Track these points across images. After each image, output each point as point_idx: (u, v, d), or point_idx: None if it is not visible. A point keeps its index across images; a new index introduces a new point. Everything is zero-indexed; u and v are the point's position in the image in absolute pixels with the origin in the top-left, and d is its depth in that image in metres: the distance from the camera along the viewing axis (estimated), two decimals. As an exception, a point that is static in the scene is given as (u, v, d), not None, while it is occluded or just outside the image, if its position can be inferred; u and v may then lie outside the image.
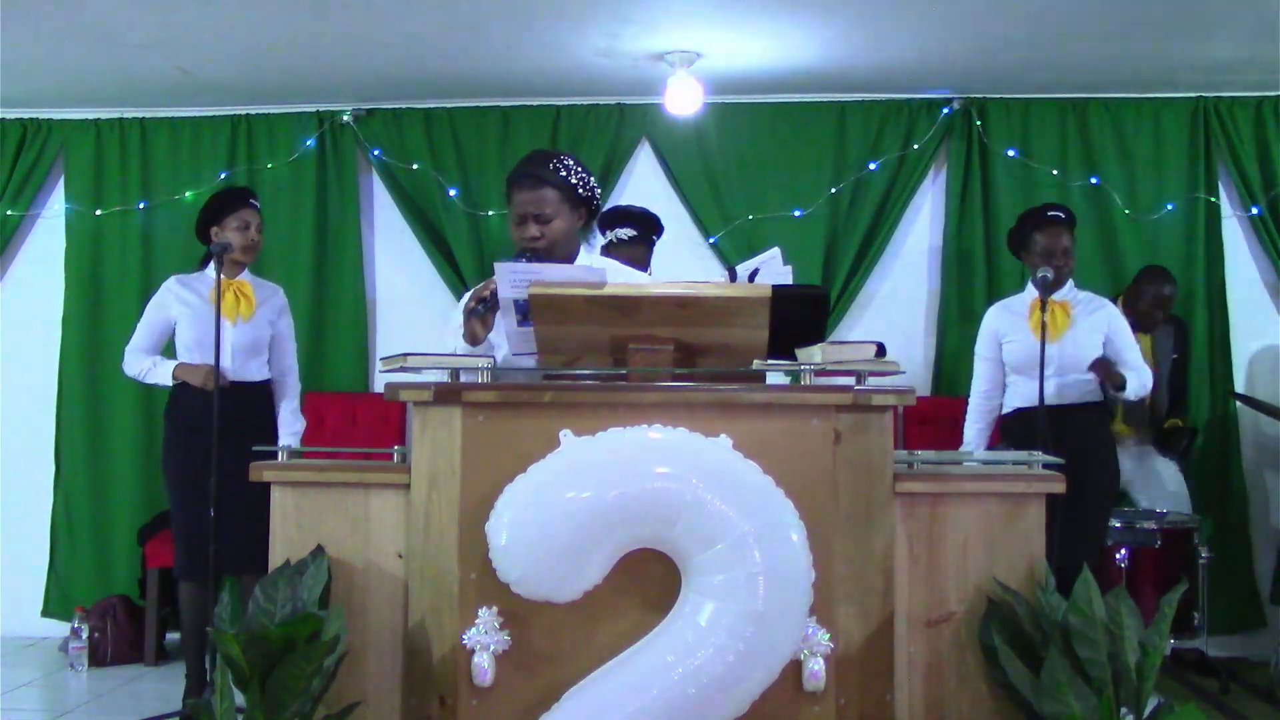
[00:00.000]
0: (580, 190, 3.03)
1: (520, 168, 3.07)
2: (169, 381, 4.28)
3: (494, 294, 2.91)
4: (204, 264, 4.40)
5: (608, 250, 4.23)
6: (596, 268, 2.74)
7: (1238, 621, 5.13)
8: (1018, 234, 4.32)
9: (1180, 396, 5.07)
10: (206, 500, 4.03)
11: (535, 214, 2.99)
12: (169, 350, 4.38)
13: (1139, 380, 4.15)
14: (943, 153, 5.44)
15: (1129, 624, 2.45)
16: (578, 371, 2.73)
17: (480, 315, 2.92)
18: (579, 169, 3.05)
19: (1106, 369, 4.10)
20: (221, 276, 4.12)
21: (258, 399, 4.37)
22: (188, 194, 5.51)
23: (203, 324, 4.24)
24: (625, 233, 4.22)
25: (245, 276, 4.37)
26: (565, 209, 3.01)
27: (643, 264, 4.23)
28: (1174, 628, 3.96)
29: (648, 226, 4.30)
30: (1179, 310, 5.21)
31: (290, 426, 4.44)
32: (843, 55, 4.89)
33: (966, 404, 4.44)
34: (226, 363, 4.15)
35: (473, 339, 2.92)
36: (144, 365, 4.32)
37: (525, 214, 3.00)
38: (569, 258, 3.02)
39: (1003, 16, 4.43)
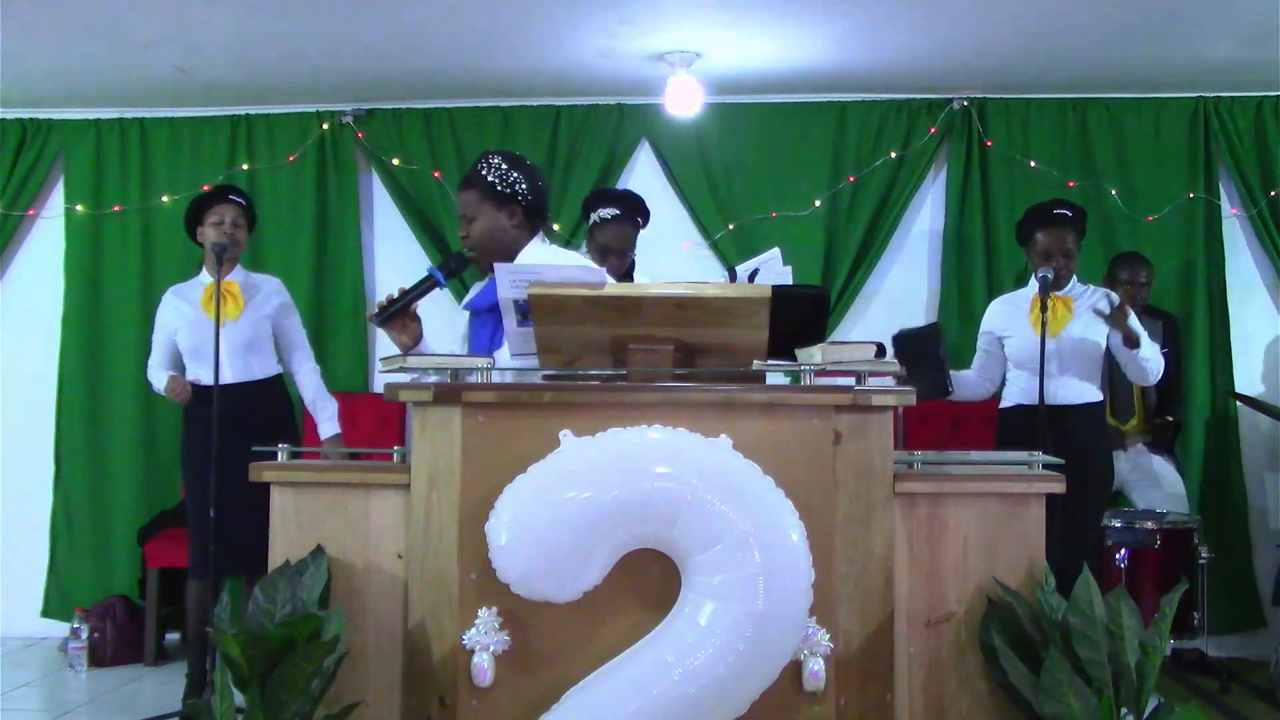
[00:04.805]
0: (499, 187, 3.04)
1: None
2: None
3: (392, 301, 2.96)
4: (199, 268, 4.42)
5: (593, 231, 4.23)
6: (595, 268, 2.74)
7: (1238, 621, 5.13)
8: (1023, 229, 4.30)
9: (1173, 393, 5.05)
10: (224, 500, 4.03)
11: (462, 214, 3.09)
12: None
13: (1154, 349, 4.06)
14: (943, 152, 5.44)
15: (1129, 624, 2.45)
16: (578, 371, 2.73)
17: (382, 324, 2.98)
18: (503, 166, 3.06)
19: (1124, 319, 3.91)
20: (213, 278, 4.14)
21: (268, 396, 4.35)
22: (175, 197, 5.52)
23: (196, 330, 4.28)
24: (608, 212, 4.20)
25: (236, 274, 4.36)
26: (486, 207, 3.05)
27: (628, 245, 4.22)
28: (1174, 628, 3.98)
29: (630, 206, 4.28)
30: (1178, 308, 5.22)
31: (324, 411, 4.40)
32: (843, 55, 4.89)
33: (966, 404, 4.44)
34: (225, 365, 4.14)
35: (403, 349, 2.96)
36: (156, 381, 4.38)
37: (459, 215, 3.11)
38: (506, 254, 3.04)
39: (1003, 16, 4.43)
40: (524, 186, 3.07)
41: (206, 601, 4.21)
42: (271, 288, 4.43)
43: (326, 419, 4.41)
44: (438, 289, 3.07)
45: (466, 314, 3.19)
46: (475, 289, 3.23)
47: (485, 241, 3.06)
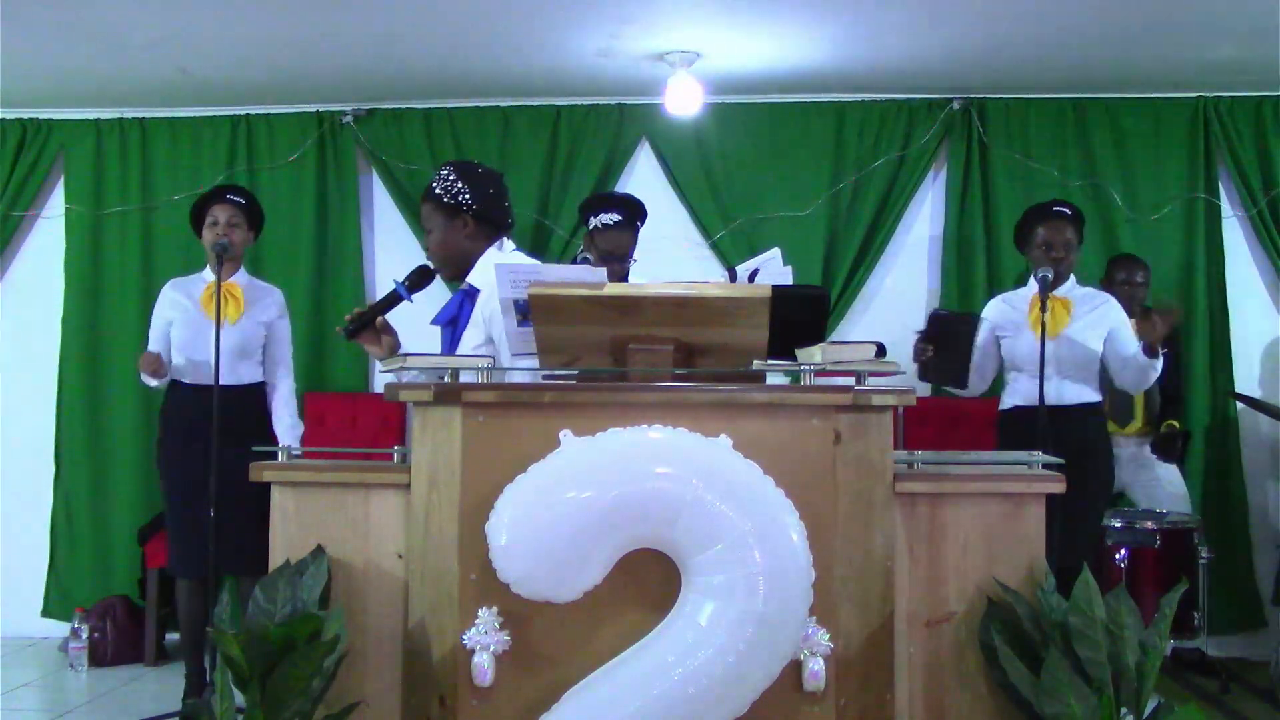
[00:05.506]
0: (445, 199, 3.08)
1: None
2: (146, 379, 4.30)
3: (360, 314, 2.99)
4: (205, 265, 4.43)
5: (593, 236, 4.23)
6: (596, 268, 2.75)
7: (1238, 621, 5.13)
8: (1022, 228, 4.32)
9: (1174, 396, 5.04)
10: (196, 499, 4.04)
11: (425, 228, 3.15)
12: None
13: (1160, 360, 4.07)
14: (943, 152, 5.44)
15: (1129, 624, 2.45)
16: (578, 371, 2.73)
17: (350, 337, 3.02)
18: (450, 177, 3.10)
19: (1155, 329, 3.91)
20: (215, 278, 4.14)
21: (250, 401, 4.34)
22: (175, 197, 5.51)
23: (191, 326, 4.28)
24: (610, 218, 4.19)
25: (239, 277, 4.36)
26: (439, 219, 3.11)
27: (627, 250, 4.21)
28: (1174, 628, 3.96)
29: (631, 211, 4.29)
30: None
31: (292, 431, 4.38)
32: (843, 55, 4.89)
33: (966, 404, 4.43)
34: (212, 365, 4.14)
35: (380, 361, 3.00)
36: None
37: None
38: (462, 264, 3.10)
39: (1003, 16, 4.43)
40: (468, 196, 3.08)
41: (194, 600, 4.24)
42: (273, 298, 4.44)
43: (293, 436, 4.37)
44: (406, 303, 3.10)
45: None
46: None
47: (440, 254, 3.12)
